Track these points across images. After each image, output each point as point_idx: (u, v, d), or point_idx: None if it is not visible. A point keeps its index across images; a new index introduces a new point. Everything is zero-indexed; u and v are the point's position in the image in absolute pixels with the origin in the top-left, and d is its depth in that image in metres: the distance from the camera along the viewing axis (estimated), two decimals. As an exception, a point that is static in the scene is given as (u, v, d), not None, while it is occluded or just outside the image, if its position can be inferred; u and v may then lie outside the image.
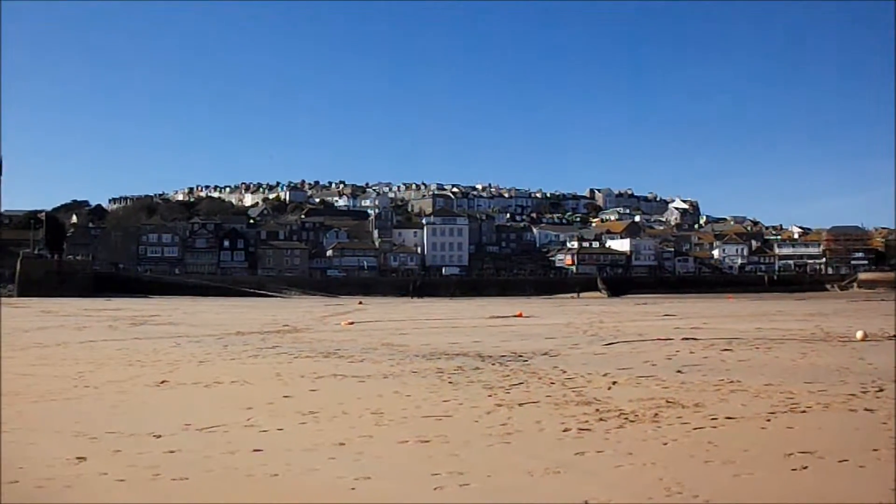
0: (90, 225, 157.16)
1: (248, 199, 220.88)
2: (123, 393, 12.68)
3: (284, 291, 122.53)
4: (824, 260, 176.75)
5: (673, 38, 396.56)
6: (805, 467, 7.43)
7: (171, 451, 8.31)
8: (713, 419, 9.89)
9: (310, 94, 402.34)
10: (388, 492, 6.82)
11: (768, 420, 9.81)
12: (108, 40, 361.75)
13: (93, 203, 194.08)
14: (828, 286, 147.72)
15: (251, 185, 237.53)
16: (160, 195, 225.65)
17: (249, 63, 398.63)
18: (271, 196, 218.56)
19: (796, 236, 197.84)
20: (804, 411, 10.41)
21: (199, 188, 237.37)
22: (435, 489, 6.88)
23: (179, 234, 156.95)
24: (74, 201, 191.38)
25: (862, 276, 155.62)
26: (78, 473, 7.42)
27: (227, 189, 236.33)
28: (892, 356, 17.55)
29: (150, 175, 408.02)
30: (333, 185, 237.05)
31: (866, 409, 10.46)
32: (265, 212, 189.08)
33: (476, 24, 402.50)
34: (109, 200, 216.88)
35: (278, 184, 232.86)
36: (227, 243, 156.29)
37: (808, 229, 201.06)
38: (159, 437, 9.07)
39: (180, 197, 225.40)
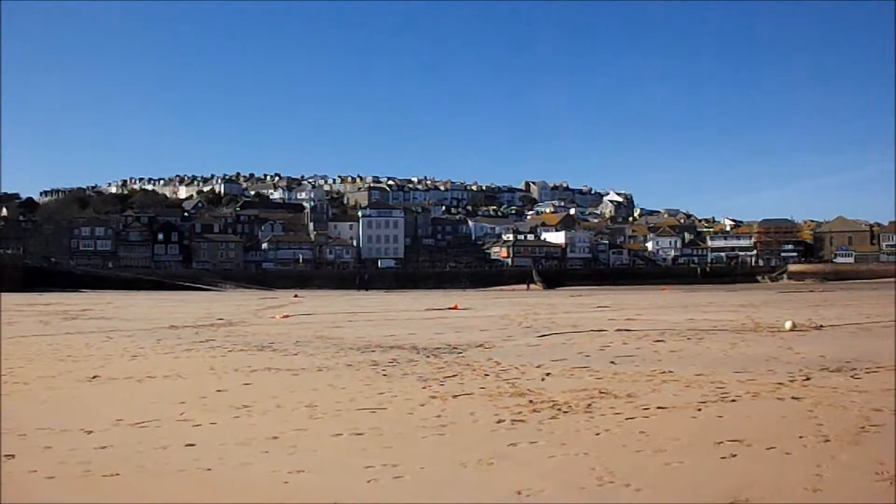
0: (21, 218, 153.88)
1: (183, 192, 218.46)
2: (54, 388, 12.50)
3: (219, 285, 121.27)
4: (755, 252, 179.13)
5: (608, 33, 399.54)
6: (734, 455, 7.55)
7: (103, 447, 8.21)
8: (645, 409, 10.00)
9: (245, 86, 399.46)
10: (322, 485, 6.81)
11: (699, 409, 9.95)
12: (34, 27, 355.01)
13: (23, 196, 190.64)
14: (758, 278, 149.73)
15: (186, 178, 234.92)
16: (93, 188, 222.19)
17: (184, 53, 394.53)
18: (206, 189, 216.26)
19: (728, 229, 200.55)
20: (734, 400, 10.56)
21: (133, 180, 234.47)
22: (368, 482, 6.88)
23: (113, 227, 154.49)
24: (5, 194, 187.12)
25: (791, 267, 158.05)
26: (6, 471, 7.29)
27: (162, 181, 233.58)
28: (817, 346, 17.87)
29: (83, 167, 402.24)
30: (269, 178, 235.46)
31: (793, 398, 10.64)
32: (200, 205, 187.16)
33: (413, 16, 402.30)
34: (41, 193, 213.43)
35: (213, 176, 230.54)
36: (161, 236, 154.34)
37: (740, 222, 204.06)
38: (90, 432, 8.95)
39: (113, 189, 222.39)
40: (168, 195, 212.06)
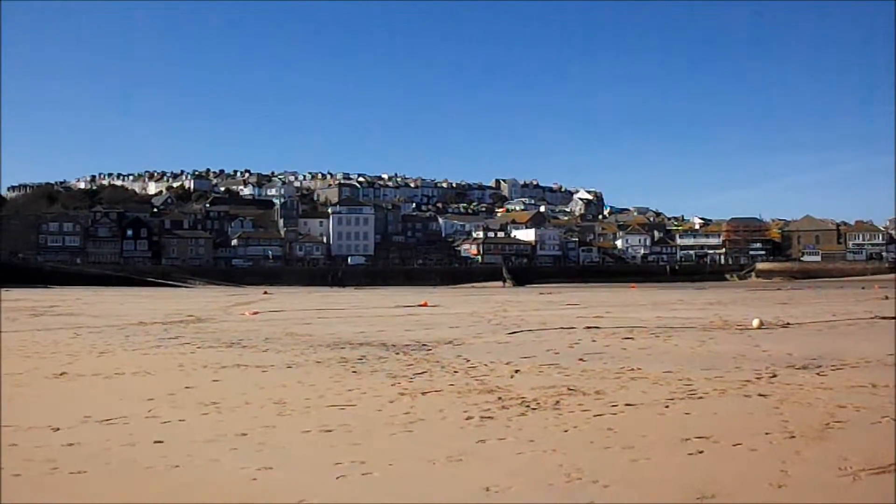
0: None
1: (152, 188, 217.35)
2: (20, 385, 12.40)
3: (189, 281, 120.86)
4: (724, 250, 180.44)
5: (578, 32, 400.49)
6: (701, 451, 7.60)
7: (70, 444, 8.16)
8: (613, 406, 10.04)
9: (216, 81, 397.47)
10: (290, 482, 6.80)
11: (667, 406, 10.00)
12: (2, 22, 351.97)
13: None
14: (727, 276, 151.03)
15: (155, 174, 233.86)
16: (61, 183, 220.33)
17: (153, 49, 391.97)
18: (175, 184, 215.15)
19: (697, 227, 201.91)
20: (701, 397, 10.63)
21: (102, 176, 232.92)
22: (337, 478, 6.87)
23: (81, 222, 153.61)
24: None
25: (759, 265, 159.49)
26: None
27: (131, 177, 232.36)
28: (784, 343, 18.00)
29: (51, 162, 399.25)
30: (239, 174, 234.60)
31: (760, 395, 10.72)
32: (169, 200, 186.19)
33: (385, 13, 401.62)
34: (8, 188, 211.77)
35: (183, 172, 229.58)
36: (130, 232, 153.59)
37: (709, 220, 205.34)
38: (57, 430, 8.88)
39: (82, 185, 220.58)
40: (137, 191, 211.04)
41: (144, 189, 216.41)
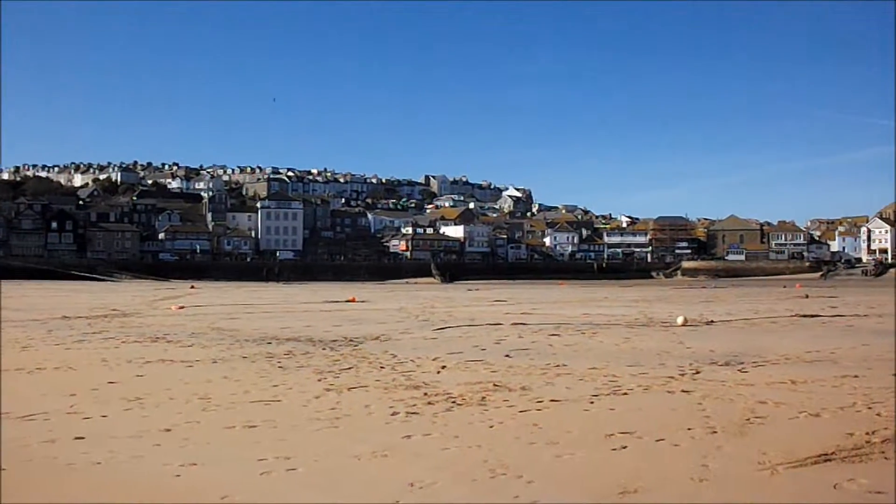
0: None
1: (78, 180, 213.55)
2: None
3: (115, 275, 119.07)
4: (650, 249, 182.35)
5: (507, 29, 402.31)
6: (625, 447, 7.67)
7: (-13, 441, 7.99)
8: (539, 402, 10.10)
9: (144, 72, 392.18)
10: (214, 478, 6.73)
11: (591, 402, 10.08)
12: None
13: None
14: (653, 274, 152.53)
15: (81, 165, 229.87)
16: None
17: (79, 38, 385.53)
18: (102, 177, 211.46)
19: (625, 225, 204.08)
20: (626, 394, 10.73)
21: (26, 167, 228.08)
22: (261, 474, 6.83)
23: (4, 214, 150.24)
24: None
25: (685, 264, 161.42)
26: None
27: (56, 169, 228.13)
28: (707, 341, 18.28)
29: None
30: (167, 167, 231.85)
31: (683, 391, 10.86)
32: (95, 193, 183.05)
33: (307, 11, 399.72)
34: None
35: (109, 164, 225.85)
36: (54, 225, 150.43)
37: (636, 219, 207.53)
38: (-26, 426, 8.71)
39: (6, 176, 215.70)
40: (63, 183, 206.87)
41: (70, 181, 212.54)
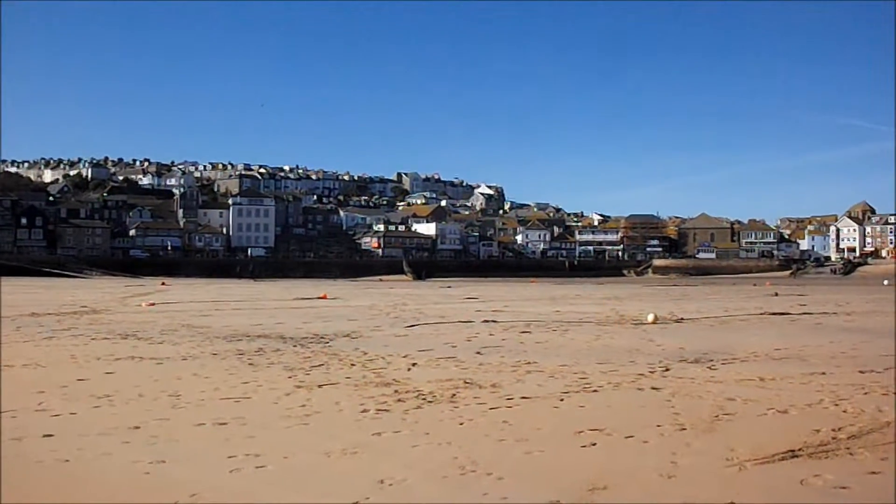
0: None
1: (48, 176, 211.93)
2: None
3: (85, 271, 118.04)
4: (622, 246, 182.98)
5: (480, 28, 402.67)
6: (594, 444, 7.72)
7: (-46, 439, 7.93)
8: (509, 399, 10.12)
9: (114, 67, 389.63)
10: (183, 475, 6.72)
11: (561, 399, 10.12)
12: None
13: None
14: (625, 272, 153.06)
15: (51, 161, 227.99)
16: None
17: (52, 34, 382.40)
18: (72, 173, 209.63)
19: (596, 223, 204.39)
20: (595, 391, 10.78)
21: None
22: (231, 472, 6.83)
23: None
24: None
25: (656, 262, 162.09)
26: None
27: (26, 164, 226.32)
28: (677, 338, 18.38)
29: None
30: (138, 163, 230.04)
31: (653, 388, 10.93)
32: (66, 189, 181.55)
33: (283, 9, 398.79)
34: None
35: (80, 160, 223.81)
36: (24, 221, 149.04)
37: (608, 217, 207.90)
38: (-59, 423, 8.64)
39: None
40: (33, 178, 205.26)
41: (40, 177, 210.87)
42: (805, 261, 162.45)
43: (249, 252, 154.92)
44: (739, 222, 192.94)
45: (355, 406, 9.68)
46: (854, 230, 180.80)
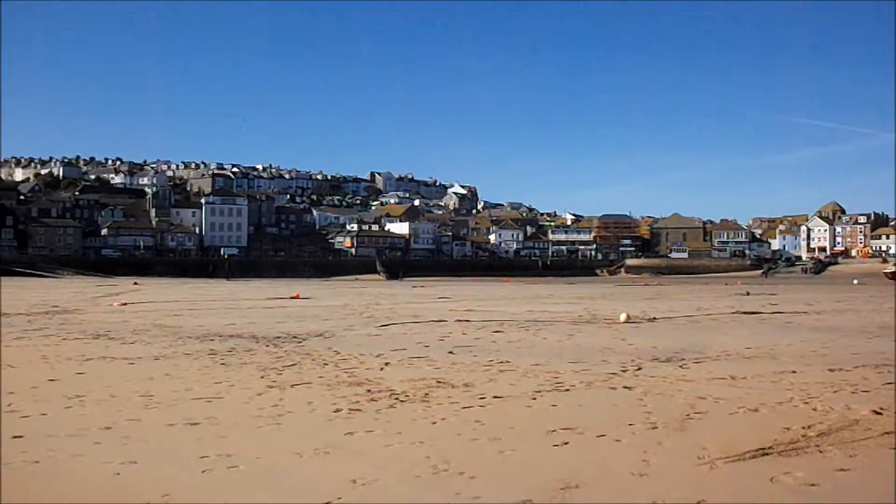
0: None
1: (19, 174, 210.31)
2: None
3: (56, 271, 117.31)
4: (595, 246, 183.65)
5: (451, 27, 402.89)
6: (566, 443, 7.73)
7: (-79, 441, 7.85)
8: (482, 398, 10.13)
9: (86, 65, 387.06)
10: (155, 476, 6.68)
11: (534, 399, 10.14)
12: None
13: None
14: (598, 271, 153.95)
15: (22, 160, 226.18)
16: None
17: (26, 32, 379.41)
18: (44, 172, 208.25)
19: (569, 223, 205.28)
20: (568, 390, 10.80)
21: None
22: (203, 472, 6.79)
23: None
24: None
25: (629, 261, 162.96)
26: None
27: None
28: (650, 337, 18.47)
29: None
30: (110, 162, 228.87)
31: (625, 387, 10.96)
32: (37, 188, 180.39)
33: (262, 8, 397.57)
34: None
35: (51, 159, 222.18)
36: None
37: (581, 217, 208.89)
38: None
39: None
40: (3, 177, 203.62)
41: (10, 175, 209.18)
42: (776, 260, 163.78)
43: (222, 251, 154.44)
44: (711, 222, 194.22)
45: (328, 406, 9.66)
46: (825, 230, 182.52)
